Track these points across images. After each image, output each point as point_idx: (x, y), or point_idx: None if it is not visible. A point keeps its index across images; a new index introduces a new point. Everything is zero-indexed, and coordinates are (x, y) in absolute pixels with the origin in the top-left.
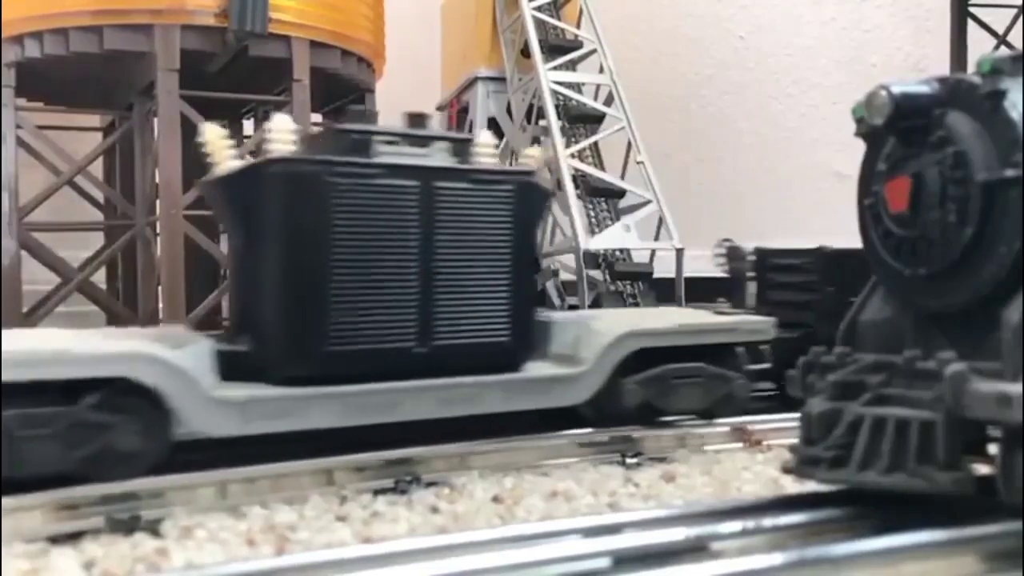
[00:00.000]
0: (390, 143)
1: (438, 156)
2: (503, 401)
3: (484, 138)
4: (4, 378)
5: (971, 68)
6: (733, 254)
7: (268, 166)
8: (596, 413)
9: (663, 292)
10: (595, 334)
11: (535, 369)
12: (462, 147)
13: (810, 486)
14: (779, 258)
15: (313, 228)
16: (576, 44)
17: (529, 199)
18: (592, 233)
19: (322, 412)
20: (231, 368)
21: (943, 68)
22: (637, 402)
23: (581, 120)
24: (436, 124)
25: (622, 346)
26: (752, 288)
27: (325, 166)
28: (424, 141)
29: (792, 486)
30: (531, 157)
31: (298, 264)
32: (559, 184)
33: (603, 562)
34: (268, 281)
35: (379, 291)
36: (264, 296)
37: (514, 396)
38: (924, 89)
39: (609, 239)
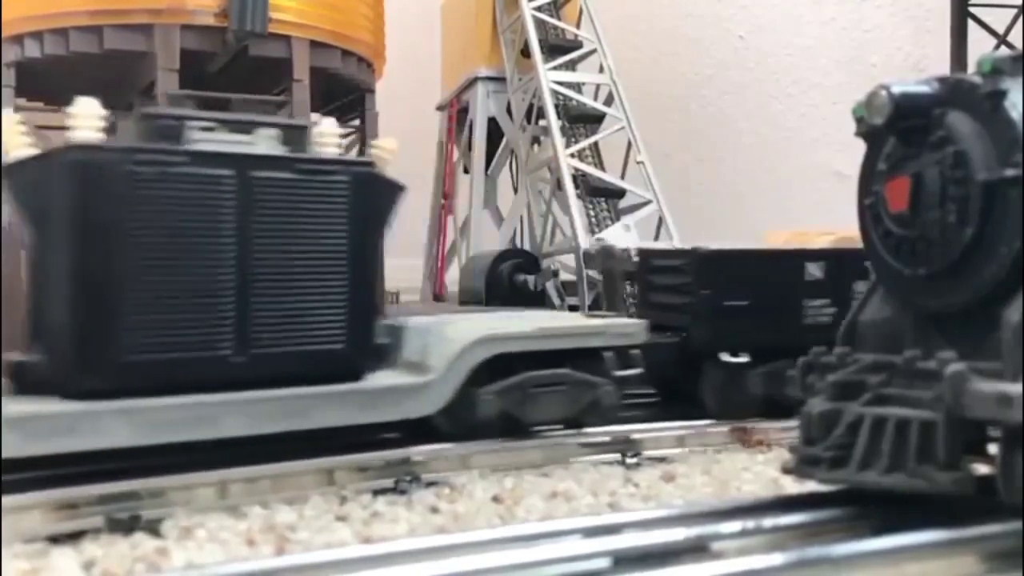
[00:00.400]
0: (206, 129)
1: (264, 144)
2: (338, 414)
3: (326, 126)
4: None
5: (971, 68)
6: (606, 254)
7: (61, 154)
8: (451, 425)
9: None
10: (445, 340)
11: (378, 379)
12: (295, 135)
13: (810, 486)
14: (659, 259)
15: (110, 222)
16: (576, 44)
17: (370, 192)
18: (592, 233)
19: (118, 429)
20: (24, 381)
21: (943, 68)
22: (493, 413)
23: (581, 120)
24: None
25: (474, 352)
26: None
27: (124, 154)
28: (247, 127)
29: (792, 486)
30: (382, 149)
31: (93, 263)
32: (559, 184)
33: (603, 562)
34: (60, 283)
35: (187, 294)
36: (56, 300)
37: (350, 409)
38: (924, 89)
39: (609, 239)
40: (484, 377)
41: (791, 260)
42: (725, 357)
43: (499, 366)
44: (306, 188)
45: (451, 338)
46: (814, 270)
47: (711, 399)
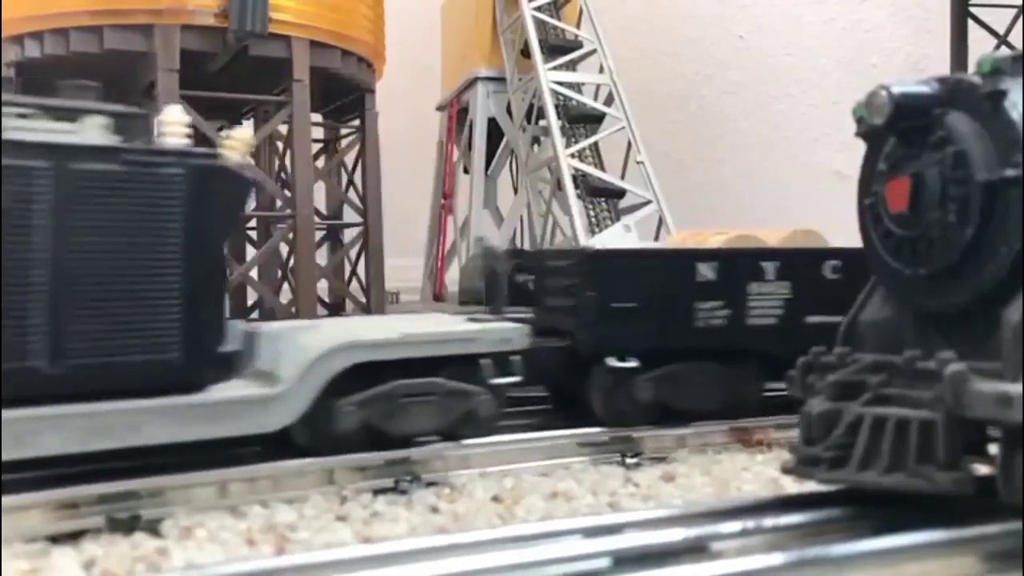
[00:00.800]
0: (22, 116)
1: (91, 133)
2: (174, 430)
3: (171, 114)
4: None
5: (971, 68)
6: (488, 254)
7: None
8: (310, 438)
9: None
10: (299, 348)
11: (221, 390)
12: (131, 123)
13: (810, 486)
14: (552, 260)
15: None
16: (576, 44)
17: (213, 186)
18: (592, 233)
19: None
20: None
21: (943, 68)
22: (354, 426)
23: (581, 120)
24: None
25: (331, 361)
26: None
27: None
28: (72, 115)
29: (792, 486)
30: (234, 140)
31: None
32: (559, 184)
33: (603, 562)
34: None
35: None
36: None
37: (188, 423)
38: (924, 89)
39: (609, 239)
40: (354, 387)
41: (682, 260)
42: (612, 362)
43: (373, 375)
44: (135, 182)
45: (304, 346)
46: (706, 271)
47: (598, 405)
